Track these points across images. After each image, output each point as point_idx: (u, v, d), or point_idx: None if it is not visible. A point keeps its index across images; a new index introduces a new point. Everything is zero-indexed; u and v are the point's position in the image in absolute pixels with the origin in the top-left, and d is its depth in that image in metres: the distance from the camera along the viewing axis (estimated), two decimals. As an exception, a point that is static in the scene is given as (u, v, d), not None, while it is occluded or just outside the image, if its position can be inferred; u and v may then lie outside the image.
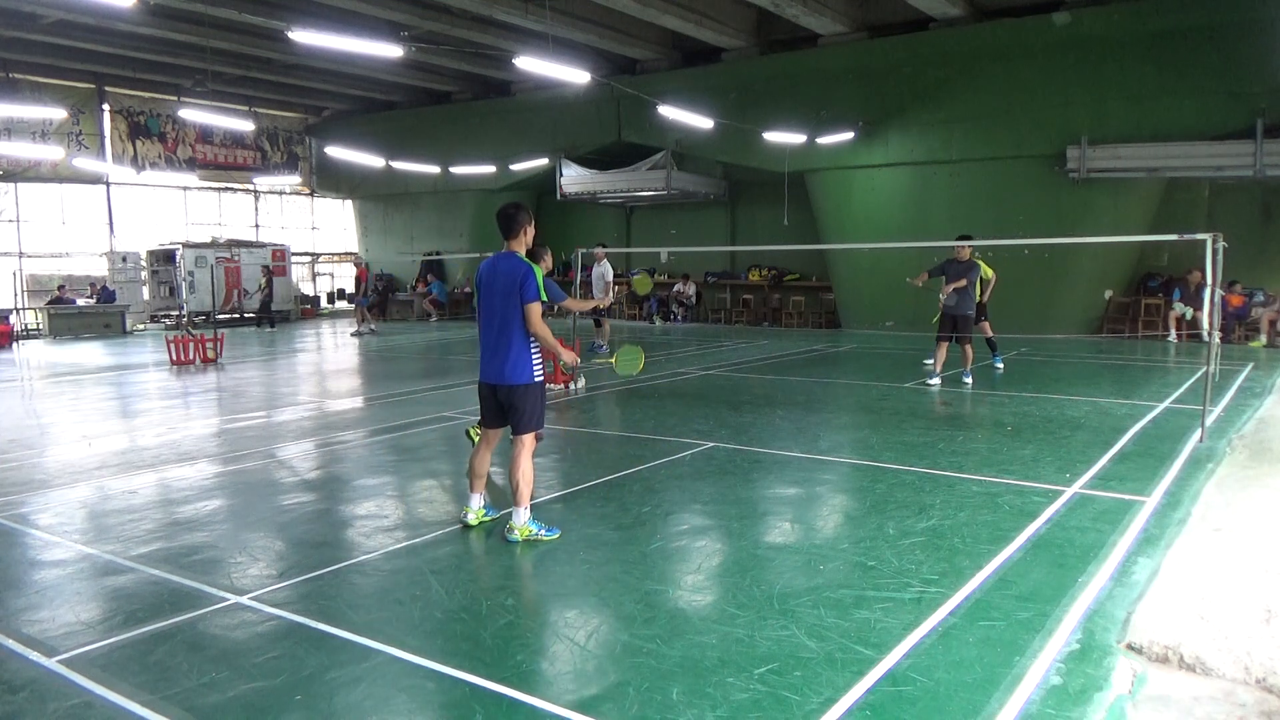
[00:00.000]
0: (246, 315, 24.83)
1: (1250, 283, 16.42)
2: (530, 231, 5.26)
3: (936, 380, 11.04)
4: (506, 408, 5.19)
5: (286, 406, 10.60)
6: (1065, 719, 3.15)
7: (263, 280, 23.54)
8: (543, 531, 5.17)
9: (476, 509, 5.47)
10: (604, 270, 15.21)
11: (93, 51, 20.86)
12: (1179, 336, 16.29)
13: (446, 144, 25.64)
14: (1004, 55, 17.30)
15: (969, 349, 11.29)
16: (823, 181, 19.98)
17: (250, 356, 16.47)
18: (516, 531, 5.12)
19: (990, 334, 12.48)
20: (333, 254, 30.50)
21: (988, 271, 12.49)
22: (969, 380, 11.09)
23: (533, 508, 5.26)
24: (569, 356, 5.65)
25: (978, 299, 12.31)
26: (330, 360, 16.54)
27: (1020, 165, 17.42)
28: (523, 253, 5.21)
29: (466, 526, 5.43)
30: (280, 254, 25.74)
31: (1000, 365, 12.49)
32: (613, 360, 6.92)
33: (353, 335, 20.49)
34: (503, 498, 5.92)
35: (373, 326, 21.23)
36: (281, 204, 29.70)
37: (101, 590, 4.55)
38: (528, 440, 5.20)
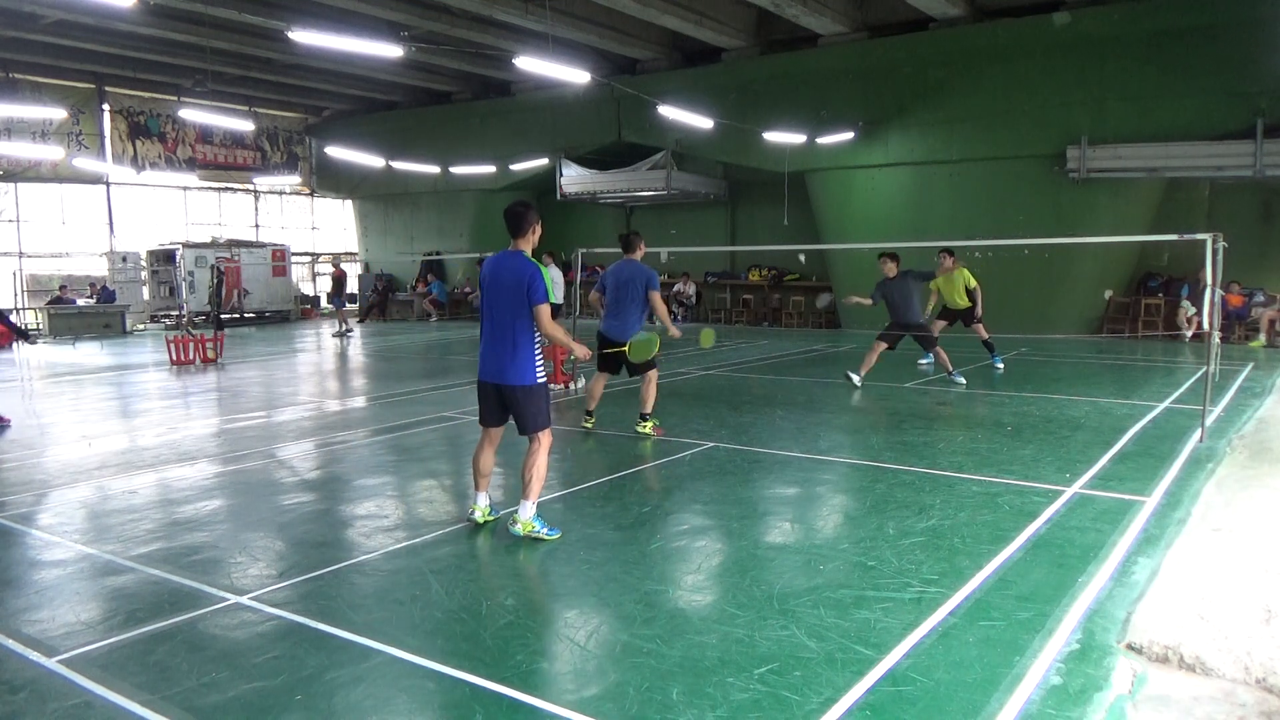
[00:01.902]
0: (246, 315, 24.81)
1: (1250, 283, 16.42)
2: (538, 231, 5.28)
3: (857, 378, 11.09)
4: (510, 407, 5.20)
5: (286, 406, 10.60)
6: (1065, 719, 3.15)
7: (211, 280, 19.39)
8: (544, 530, 5.16)
9: (483, 506, 5.48)
10: (555, 275, 15.24)
11: (93, 51, 20.86)
12: (1185, 337, 16.29)
13: (446, 144, 25.63)
14: (1004, 55, 17.30)
15: (940, 352, 11.32)
16: (823, 181, 19.98)
17: (250, 357, 16.47)
18: (520, 525, 5.13)
19: (985, 335, 12.47)
20: (333, 254, 30.51)
21: (971, 280, 12.42)
22: (961, 380, 11.04)
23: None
24: (581, 351, 5.66)
25: (967, 304, 12.32)
26: (330, 360, 16.54)
27: (1020, 165, 17.42)
28: (529, 252, 5.21)
29: (474, 524, 5.43)
30: (280, 254, 25.75)
31: (1000, 365, 12.48)
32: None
33: (334, 335, 20.41)
34: (502, 498, 5.92)
35: (348, 328, 20.93)
36: (281, 204, 29.71)
37: (101, 590, 4.54)
38: (544, 438, 5.23)
